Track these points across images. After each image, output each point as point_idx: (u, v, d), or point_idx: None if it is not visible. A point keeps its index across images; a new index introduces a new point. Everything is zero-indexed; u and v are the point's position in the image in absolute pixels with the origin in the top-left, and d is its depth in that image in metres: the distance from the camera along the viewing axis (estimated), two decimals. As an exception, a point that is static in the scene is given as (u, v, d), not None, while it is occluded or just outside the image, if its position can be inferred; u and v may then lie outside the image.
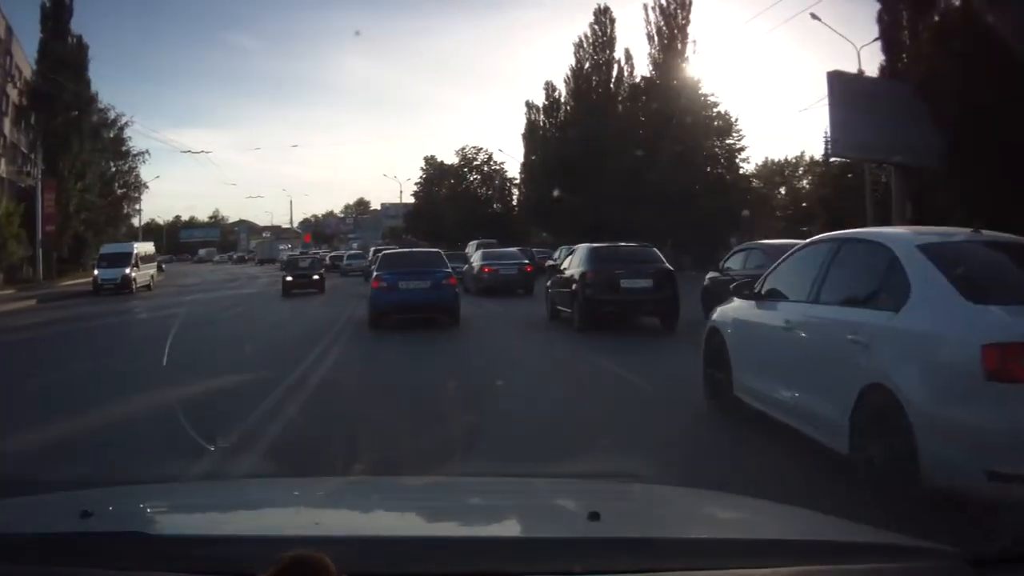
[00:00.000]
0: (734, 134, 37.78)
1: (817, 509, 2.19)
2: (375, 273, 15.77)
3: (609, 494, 2.46)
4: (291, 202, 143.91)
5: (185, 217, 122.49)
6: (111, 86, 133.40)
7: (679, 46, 38.60)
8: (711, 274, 14.67)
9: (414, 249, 24.25)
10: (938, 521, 3.69)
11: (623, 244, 15.74)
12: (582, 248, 14.87)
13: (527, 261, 25.55)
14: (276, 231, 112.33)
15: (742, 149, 38.17)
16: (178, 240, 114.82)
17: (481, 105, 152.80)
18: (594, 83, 47.47)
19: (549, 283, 16.00)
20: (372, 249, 40.02)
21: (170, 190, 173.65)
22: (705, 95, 37.82)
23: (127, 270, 32.02)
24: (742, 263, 13.68)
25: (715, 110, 37.81)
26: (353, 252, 49.27)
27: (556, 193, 41.62)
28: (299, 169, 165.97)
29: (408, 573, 1.57)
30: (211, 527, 2.01)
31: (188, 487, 3.50)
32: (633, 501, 2.36)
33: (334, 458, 5.34)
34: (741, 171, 38.69)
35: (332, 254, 55.60)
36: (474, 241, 37.14)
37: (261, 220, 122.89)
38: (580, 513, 1.85)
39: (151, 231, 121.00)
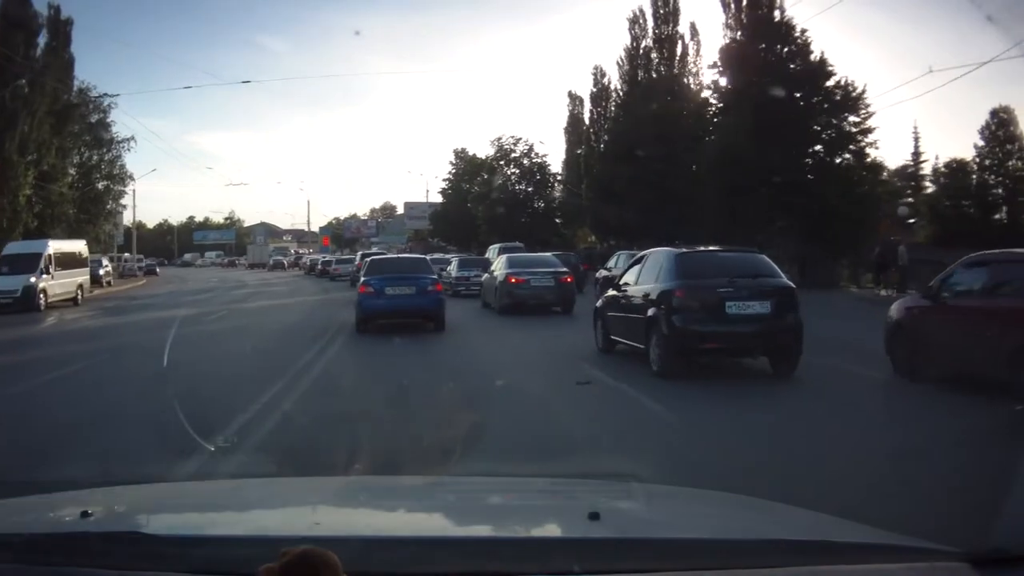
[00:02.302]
0: (861, 110, 30.26)
1: (818, 509, 2.29)
2: (362, 279, 17.12)
3: (609, 494, 2.57)
4: (308, 203, 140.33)
5: (199, 218, 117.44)
6: (121, 79, 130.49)
7: (764, 10, 31.82)
8: (916, 299, 10.65)
9: (401, 255, 25.49)
10: (938, 521, 3.81)
11: (722, 249, 12.54)
12: (661, 255, 11.64)
13: (566, 270, 21.89)
14: (297, 234, 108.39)
15: (870, 129, 30.51)
16: (191, 242, 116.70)
17: (514, 101, 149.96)
18: (655, 62, 44.20)
19: (601, 302, 13.25)
20: (360, 254, 39.66)
21: (185, 193, 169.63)
22: (820, 60, 30.61)
23: (32, 278, 25.78)
24: (991, 282, 8.99)
25: (832, 80, 30.41)
26: (342, 257, 50.32)
27: (554, 189, 35.26)
28: (322, 171, 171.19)
29: (408, 573, 1.66)
30: (211, 527, 2.10)
31: (188, 487, 3.55)
32: (633, 501, 2.45)
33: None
34: (870, 158, 30.96)
35: (324, 259, 57.04)
36: (495, 244, 34.66)
37: (283, 223, 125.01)
38: (580, 513, 1.93)
39: (165, 232, 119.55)
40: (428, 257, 39.16)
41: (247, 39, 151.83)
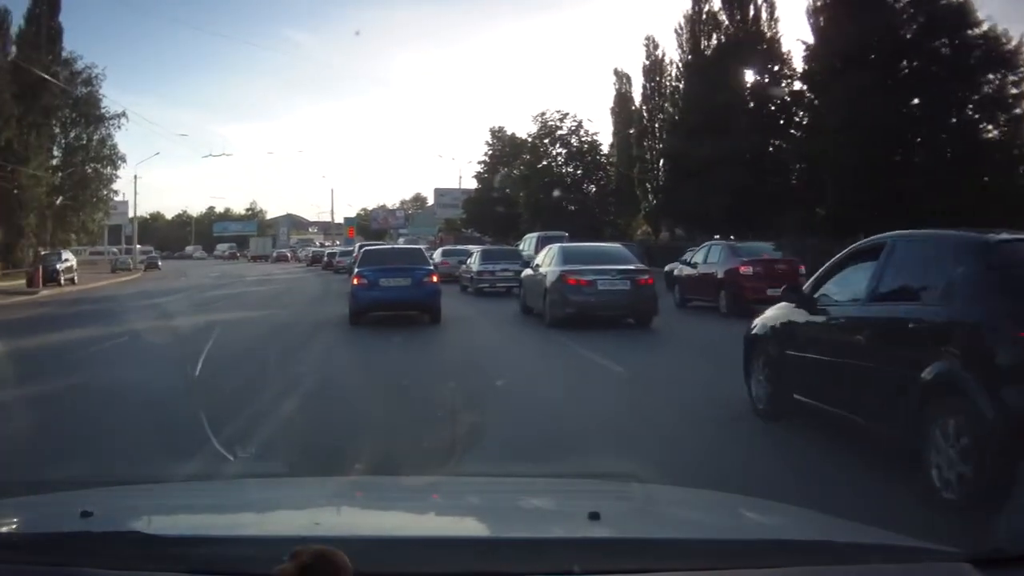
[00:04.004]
0: (1019, 66, 24.20)
1: (818, 509, 2.44)
2: (356, 270, 17.61)
3: (609, 494, 2.66)
4: (332, 191, 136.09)
5: (220, 209, 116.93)
6: (144, 75, 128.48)
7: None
8: None
9: (395, 246, 27.23)
10: (938, 521, 3.93)
11: None
12: (952, 242, 6.19)
13: (644, 269, 17.17)
14: (323, 226, 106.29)
15: None
16: (211, 234, 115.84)
17: (553, 83, 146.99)
18: (724, 25, 40.33)
19: (765, 329, 7.91)
20: (357, 245, 37.21)
21: (205, 183, 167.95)
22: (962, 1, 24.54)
23: None
24: None
25: (983, 27, 24.52)
26: (345, 249, 47.53)
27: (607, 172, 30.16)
28: (349, 161, 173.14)
29: (408, 573, 1.75)
30: (211, 527, 2.21)
31: (188, 487, 3.60)
32: (633, 501, 2.55)
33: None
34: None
35: (329, 250, 56.72)
36: (532, 234, 31.59)
37: (310, 215, 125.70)
38: (580, 513, 2.03)
39: (184, 222, 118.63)
40: (443, 248, 36.26)
41: (271, 31, 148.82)
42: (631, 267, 16.45)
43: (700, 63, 40.14)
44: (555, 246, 18.44)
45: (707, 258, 19.88)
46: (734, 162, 32.99)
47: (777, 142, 34.99)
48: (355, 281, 17.08)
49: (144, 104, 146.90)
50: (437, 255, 33.63)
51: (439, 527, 2.29)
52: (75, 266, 37.95)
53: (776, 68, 36.16)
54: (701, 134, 34.99)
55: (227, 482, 4.25)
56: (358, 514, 2.44)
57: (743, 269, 18.06)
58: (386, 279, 16.68)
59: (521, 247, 31.01)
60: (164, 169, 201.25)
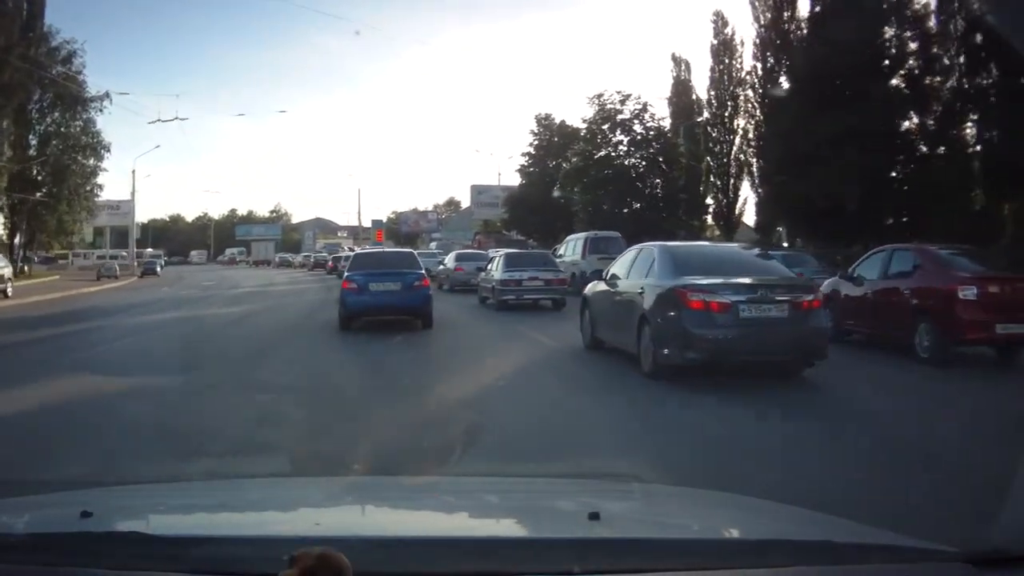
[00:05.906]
0: None
1: (819, 509, 2.48)
2: (345, 274, 18.56)
3: (609, 494, 2.75)
4: (359, 191, 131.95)
5: (243, 211, 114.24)
6: (161, 73, 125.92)
7: None
8: None
9: (386, 250, 27.02)
10: (938, 521, 3.83)
11: None
12: None
13: (806, 282, 11.72)
14: (353, 230, 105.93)
15: None
16: (233, 237, 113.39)
17: (600, 73, 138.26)
18: None
19: None
20: (357, 249, 37.08)
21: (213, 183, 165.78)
22: None
23: None
24: None
25: None
26: (348, 254, 42.94)
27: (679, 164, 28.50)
28: (380, 165, 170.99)
29: (408, 573, 1.81)
30: (211, 527, 2.29)
31: (188, 487, 3.71)
32: (633, 501, 2.64)
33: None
34: None
35: (334, 255, 55.18)
36: (577, 235, 28.91)
37: (340, 219, 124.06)
38: (580, 513, 2.12)
39: (203, 226, 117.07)
40: (457, 251, 34.70)
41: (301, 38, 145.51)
42: (789, 282, 11.21)
43: (822, 17, 32.82)
44: (652, 247, 12.65)
45: (888, 270, 14.22)
46: (864, 141, 27.00)
47: (906, 121, 30.22)
48: (344, 286, 17.81)
49: (140, 93, 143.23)
50: (450, 260, 31.98)
51: (439, 527, 2.35)
52: (8, 275, 31.95)
53: (904, 31, 31.22)
54: (822, 108, 28.62)
55: (227, 482, 4.30)
56: (358, 514, 2.51)
57: (963, 291, 11.79)
58: (376, 283, 17.09)
59: (561, 250, 28.61)
60: (171, 166, 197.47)
